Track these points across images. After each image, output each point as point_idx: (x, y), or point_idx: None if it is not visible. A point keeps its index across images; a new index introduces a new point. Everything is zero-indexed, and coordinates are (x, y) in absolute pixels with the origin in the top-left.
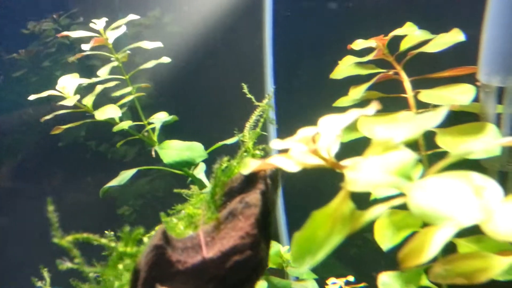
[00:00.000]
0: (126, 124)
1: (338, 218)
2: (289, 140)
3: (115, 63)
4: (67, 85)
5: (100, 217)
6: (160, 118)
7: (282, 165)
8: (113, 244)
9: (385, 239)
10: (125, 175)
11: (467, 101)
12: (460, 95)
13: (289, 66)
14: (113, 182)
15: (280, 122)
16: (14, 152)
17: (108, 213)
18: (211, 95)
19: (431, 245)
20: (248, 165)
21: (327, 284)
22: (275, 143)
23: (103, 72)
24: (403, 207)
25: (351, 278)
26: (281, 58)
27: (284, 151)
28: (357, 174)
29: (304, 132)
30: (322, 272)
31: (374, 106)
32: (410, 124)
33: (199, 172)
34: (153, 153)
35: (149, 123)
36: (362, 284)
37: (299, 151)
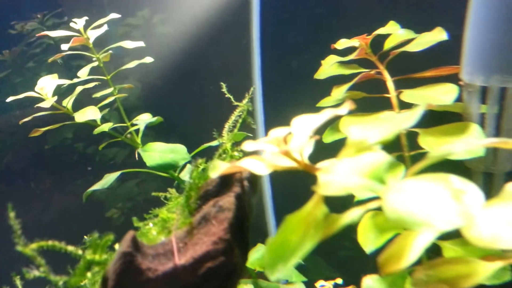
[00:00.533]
0: (106, 127)
1: (311, 223)
2: (261, 141)
3: (96, 63)
4: (46, 86)
5: (88, 221)
6: (144, 119)
7: (252, 168)
8: (80, 252)
9: (368, 241)
10: (108, 178)
11: (449, 101)
12: (442, 95)
13: (277, 65)
14: (97, 186)
15: (268, 122)
16: (1, 155)
17: (96, 216)
18: (200, 96)
19: (411, 250)
20: (217, 168)
21: (315, 287)
22: (247, 145)
23: (83, 73)
24: None
25: (339, 280)
26: (269, 57)
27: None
28: (330, 177)
29: (276, 133)
30: (311, 274)
31: (347, 106)
32: (385, 124)
33: (186, 174)
34: (136, 155)
35: (133, 125)
36: (350, 287)
37: (271, 152)
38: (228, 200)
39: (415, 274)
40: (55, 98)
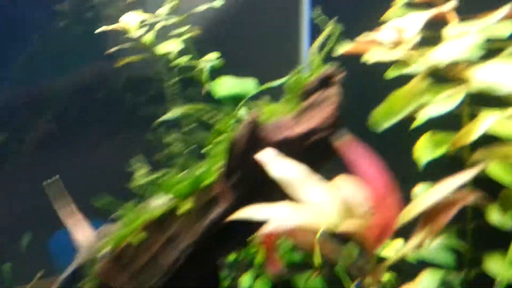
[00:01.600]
0: (183, 60)
1: (415, 93)
2: (382, 28)
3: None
4: (130, 21)
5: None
6: (211, 58)
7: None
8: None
9: (425, 154)
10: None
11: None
12: None
13: None
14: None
15: None
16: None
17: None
18: (259, 40)
19: (477, 129)
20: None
21: None
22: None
23: (163, 11)
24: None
25: None
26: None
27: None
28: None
29: (394, 23)
30: None
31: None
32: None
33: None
34: (204, 90)
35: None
36: None
37: (389, 40)
38: (332, 91)
39: (474, 154)
40: (142, 30)
